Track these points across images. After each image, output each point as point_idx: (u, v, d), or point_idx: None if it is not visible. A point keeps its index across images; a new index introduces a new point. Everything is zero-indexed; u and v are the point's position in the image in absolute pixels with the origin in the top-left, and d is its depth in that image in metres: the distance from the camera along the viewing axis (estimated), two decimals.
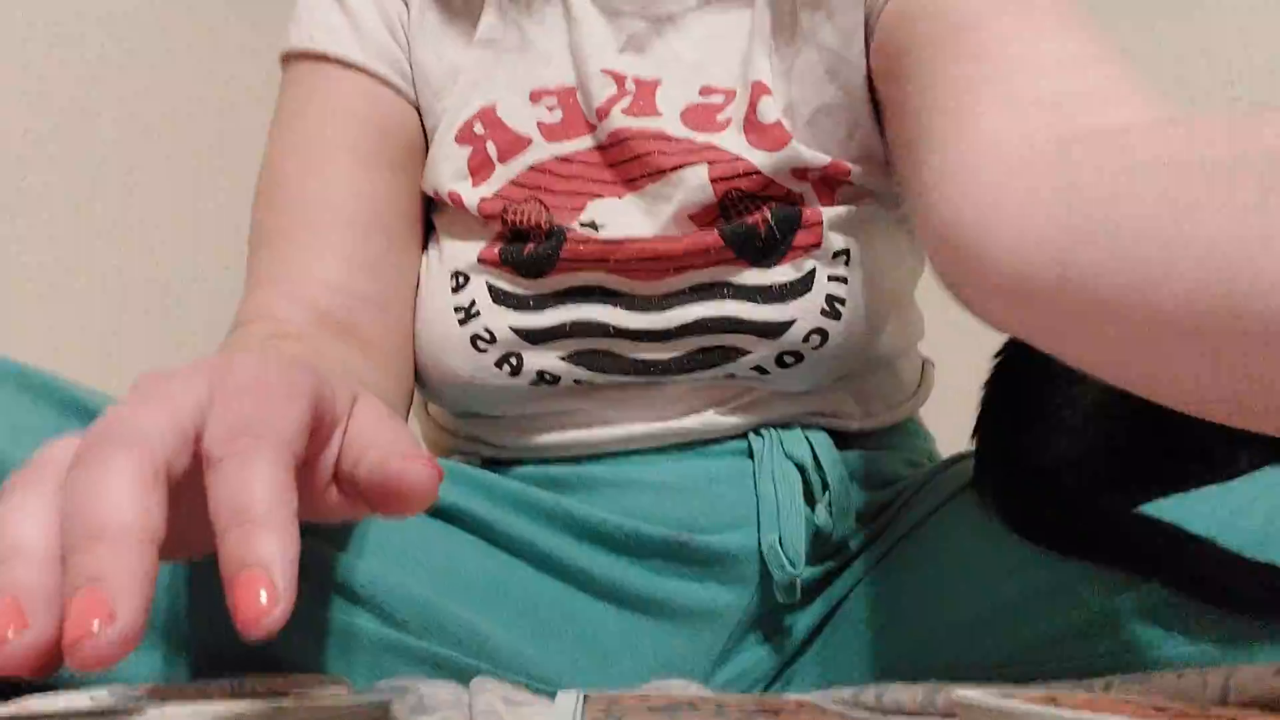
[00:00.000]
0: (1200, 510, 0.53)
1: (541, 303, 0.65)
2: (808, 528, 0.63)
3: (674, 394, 0.66)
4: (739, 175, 0.63)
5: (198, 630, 0.49)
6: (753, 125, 0.64)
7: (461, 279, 0.66)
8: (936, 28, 0.54)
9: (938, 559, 0.62)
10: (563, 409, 0.67)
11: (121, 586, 0.29)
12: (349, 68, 0.67)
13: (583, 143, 0.66)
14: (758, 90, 0.65)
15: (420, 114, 0.69)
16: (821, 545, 0.65)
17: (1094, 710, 0.34)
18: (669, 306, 0.64)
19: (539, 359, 0.65)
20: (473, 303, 0.65)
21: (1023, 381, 0.62)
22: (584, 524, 0.63)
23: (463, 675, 0.55)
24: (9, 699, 0.40)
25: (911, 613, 0.61)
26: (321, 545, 0.54)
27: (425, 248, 0.70)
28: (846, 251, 0.65)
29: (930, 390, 0.76)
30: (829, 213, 0.64)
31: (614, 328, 0.64)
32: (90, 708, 0.37)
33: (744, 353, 0.64)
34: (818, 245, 0.64)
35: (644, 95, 0.67)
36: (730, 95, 0.66)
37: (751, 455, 0.66)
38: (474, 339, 0.65)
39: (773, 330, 0.64)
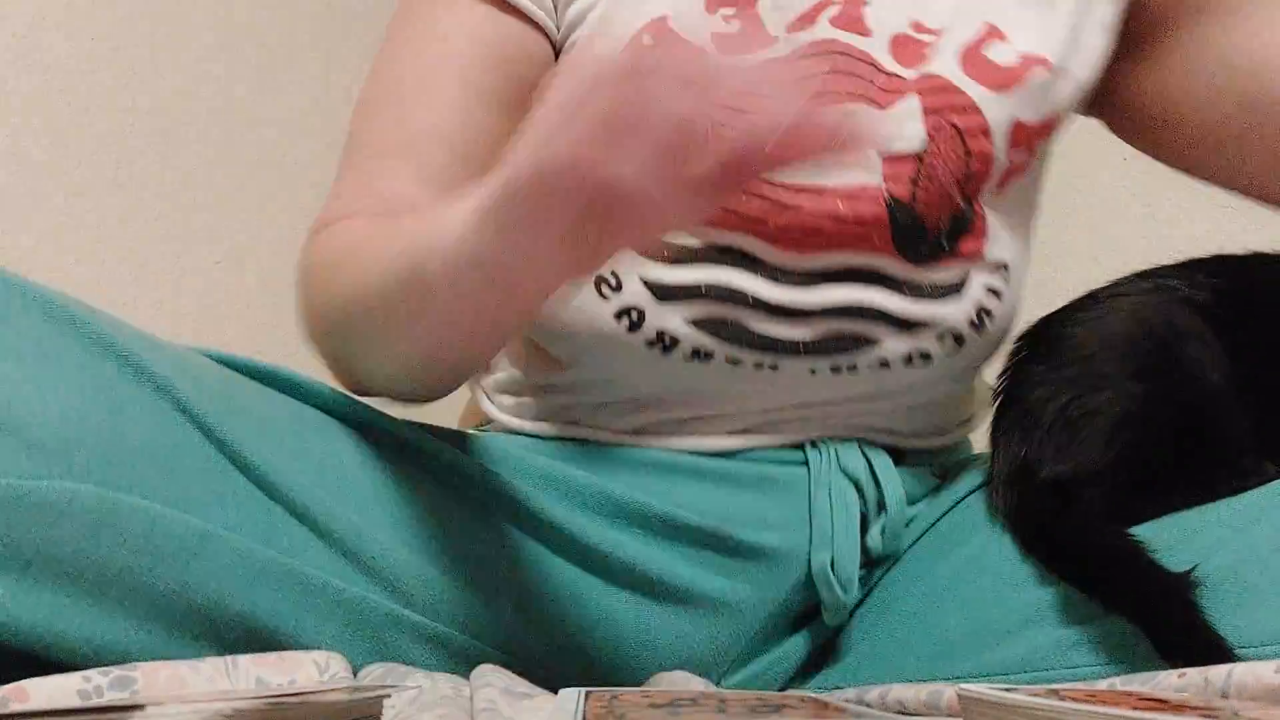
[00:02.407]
0: (1212, 517, 0.52)
1: (679, 256, 0.60)
2: (861, 550, 0.62)
3: (783, 383, 0.61)
4: (955, 110, 0.59)
5: (196, 606, 0.47)
6: (974, 59, 0.60)
7: None
8: None
9: (949, 559, 0.61)
10: (657, 394, 0.63)
11: None
12: None
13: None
14: (989, 33, 0.60)
15: (556, 38, 0.64)
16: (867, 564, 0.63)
17: (1096, 703, 0.34)
18: (814, 284, 0.60)
19: (663, 318, 0.60)
20: None
21: (1037, 380, 0.60)
22: (618, 504, 0.60)
23: (465, 656, 0.55)
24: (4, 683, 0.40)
25: (922, 619, 0.60)
26: (333, 506, 0.53)
27: None
28: (1006, 266, 0.62)
29: (985, 414, 0.69)
30: (995, 219, 0.61)
31: (753, 297, 0.60)
32: (91, 705, 0.36)
33: (876, 342, 0.61)
34: (980, 255, 0.61)
35: (852, 6, 0.62)
36: (938, 35, 0.62)
37: (806, 463, 0.63)
38: (599, 282, 0.60)
39: (914, 326, 0.61)
